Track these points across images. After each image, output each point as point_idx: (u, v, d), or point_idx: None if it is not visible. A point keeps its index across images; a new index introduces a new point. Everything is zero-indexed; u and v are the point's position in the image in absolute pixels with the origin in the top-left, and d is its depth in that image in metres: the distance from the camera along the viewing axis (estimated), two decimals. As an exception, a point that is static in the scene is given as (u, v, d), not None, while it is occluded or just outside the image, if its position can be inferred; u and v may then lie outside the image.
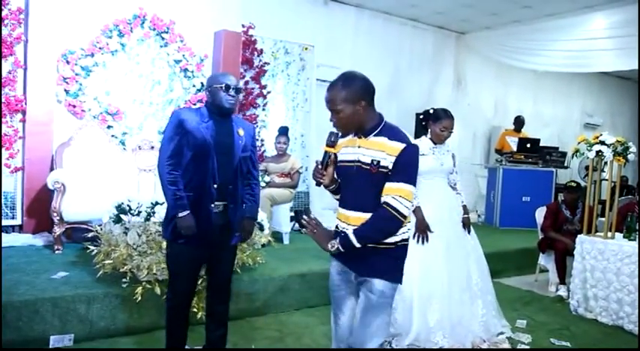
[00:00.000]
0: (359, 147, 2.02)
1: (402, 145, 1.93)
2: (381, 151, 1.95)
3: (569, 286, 4.35)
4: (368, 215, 1.94)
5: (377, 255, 1.99)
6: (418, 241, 3.18)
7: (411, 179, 1.94)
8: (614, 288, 3.90)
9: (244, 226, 2.68)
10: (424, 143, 3.32)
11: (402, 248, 2.04)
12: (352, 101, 1.97)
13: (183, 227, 2.43)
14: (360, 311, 2.03)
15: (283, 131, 5.49)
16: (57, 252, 4.13)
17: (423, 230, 3.19)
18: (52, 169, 4.57)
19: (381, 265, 1.99)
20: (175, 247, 2.53)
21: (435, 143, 3.34)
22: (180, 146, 2.46)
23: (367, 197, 1.96)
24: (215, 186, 2.49)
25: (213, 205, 2.50)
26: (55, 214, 4.15)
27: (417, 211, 3.19)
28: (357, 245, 1.93)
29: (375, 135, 2.01)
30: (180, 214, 2.42)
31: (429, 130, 3.35)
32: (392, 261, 2.02)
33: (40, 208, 4.55)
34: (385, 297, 2.00)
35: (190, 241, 2.48)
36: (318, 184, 2.08)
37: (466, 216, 3.44)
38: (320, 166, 2.04)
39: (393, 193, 1.90)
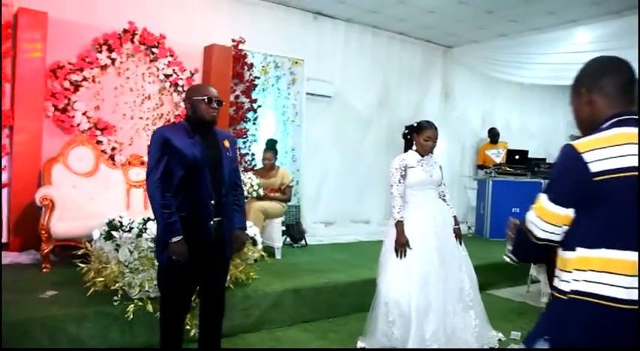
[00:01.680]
0: None
1: None
2: None
3: (562, 297, 4.35)
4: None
5: None
6: (397, 255, 3.20)
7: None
8: (607, 298, 3.91)
9: (237, 237, 2.63)
10: (411, 156, 3.37)
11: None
12: None
13: (177, 253, 2.36)
14: None
15: (270, 146, 5.47)
16: (44, 270, 4.05)
17: (402, 244, 3.20)
18: (39, 185, 4.50)
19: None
20: (168, 270, 2.45)
21: (422, 155, 3.37)
22: (170, 166, 2.37)
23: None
24: (212, 202, 2.44)
25: (212, 222, 2.45)
26: (43, 232, 4.07)
27: (398, 225, 3.23)
28: None
29: None
30: (174, 240, 2.34)
31: (414, 143, 3.40)
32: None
33: (27, 225, 4.45)
34: None
35: (187, 263, 2.41)
36: None
37: (457, 226, 3.46)
38: None
39: None
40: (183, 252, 2.36)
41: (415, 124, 3.42)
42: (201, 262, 2.48)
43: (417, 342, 3.13)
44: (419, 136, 3.35)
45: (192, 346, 2.94)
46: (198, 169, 2.41)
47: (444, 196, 3.51)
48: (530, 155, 7.84)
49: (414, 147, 3.39)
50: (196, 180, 2.41)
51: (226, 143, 2.57)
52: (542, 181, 7.34)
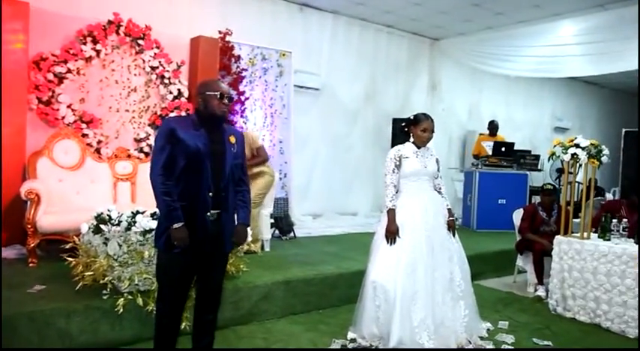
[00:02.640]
0: None
1: None
2: None
3: (548, 286, 4.43)
4: None
5: None
6: (388, 242, 3.29)
7: None
8: (592, 287, 3.99)
9: (238, 232, 2.66)
10: (408, 147, 3.47)
11: None
12: None
13: (177, 239, 2.40)
14: None
15: None
16: (31, 265, 3.99)
17: (392, 232, 3.29)
18: (24, 179, 4.43)
19: None
20: (168, 258, 2.49)
21: (418, 147, 3.45)
22: (173, 155, 2.43)
23: None
24: (210, 194, 2.47)
25: (209, 214, 2.48)
26: (29, 226, 4.01)
27: (390, 213, 3.32)
28: None
29: None
30: (175, 226, 2.39)
31: (412, 135, 3.48)
32: None
33: (11, 219, 4.37)
34: None
35: (185, 251, 2.44)
36: None
37: (451, 219, 3.51)
38: None
39: None
40: (184, 237, 2.41)
41: (412, 117, 3.51)
42: (199, 253, 2.50)
43: (405, 329, 3.17)
44: (416, 128, 3.44)
45: (185, 339, 2.94)
46: (199, 161, 2.45)
47: (440, 188, 3.58)
48: (516, 147, 7.91)
49: (412, 139, 3.48)
50: (197, 171, 2.46)
51: (232, 139, 2.61)
52: (528, 173, 7.44)
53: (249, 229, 3.79)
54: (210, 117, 2.53)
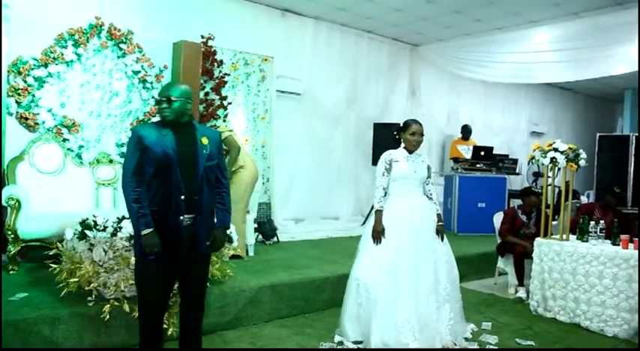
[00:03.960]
0: None
1: None
2: None
3: (528, 287, 4.53)
4: None
5: None
6: (374, 241, 3.40)
7: None
8: (571, 287, 4.10)
9: (216, 235, 2.64)
10: (400, 152, 3.59)
11: None
12: None
13: (148, 245, 2.42)
14: None
15: None
16: (12, 272, 3.91)
17: (378, 232, 3.40)
18: (2, 185, 4.34)
19: None
20: (144, 265, 2.50)
21: (409, 152, 3.55)
22: (142, 162, 2.46)
23: None
24: (182, 197, 2.46)
25: (182, 218, 2.48)
26: (9, 233, 3.93)
27: (377, 213, 3.43)
28: None
29: None
30: (144, 232, 2.41)
31: (402, 141, 3.59)
32: None
33: (-10, 226, 4.30)
34: None
35: (159, 257, 2.44)
36: None
37: (440, 224, 3.58)
38: None
39: None
40: (155, 244, 2.41)
41: (401, 124, 3.64)
42: (176, 257, 2.49)
43: (389, 327, 3.22)
44: (405, 132, 3.56)
45: (172, 344, 2.92)
46: (167, 165, 2.45)
47: (431, 194, 3.67)
48: (493, 151, 8.07)
49: (402, 144, 3.59)
50: (166, 175, 2.46)
51: (204, 140, 2.58)
52: (506, 176, 7.59)
53: (233, 233, 3.82)
54: (164, 121, 2.55)
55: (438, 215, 3.60)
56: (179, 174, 2.45)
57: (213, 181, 2.63)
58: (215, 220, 2.68)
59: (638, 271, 3.76)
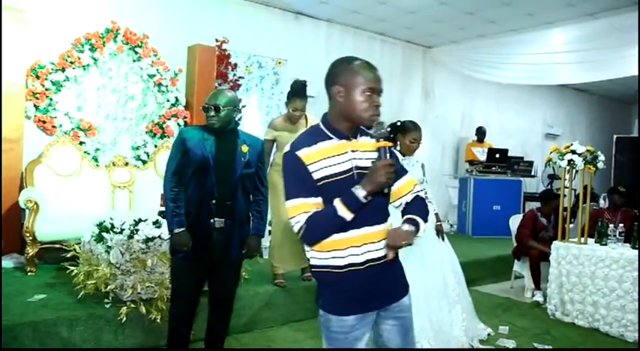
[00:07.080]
0: (352, 151, 1.73)
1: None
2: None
3: (546, 291, 4.47)
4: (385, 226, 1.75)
5: (400, 268, 1.88)
6: None
7: None
8: (589, 291, 4.04)
9: (249, 242, 2.66)
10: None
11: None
12: None
13: (178, 244, 2.48)
14: (401, 338, 1.82)
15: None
16: (30, 274, 3.96)
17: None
18: (21, 187, 4.40)
19: (404, 277, 1.89)
20: (174, 262, 2.59)
21: (404, 155, 3.39)
22: (182, 163, 2.51)
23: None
24: (213, 202, 2.50)
25: (212, 221, 2.51)
26: (27, 235, 3.98)
27: None
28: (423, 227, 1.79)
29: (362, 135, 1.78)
30: (176, 231, 2.47)
31: (398, 142, 3.41)
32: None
33: (9, 228, 4.33)
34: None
35: (188, 256, 2.51)
36: (389, 185, 1.68)
37: (439, 223, 3.52)
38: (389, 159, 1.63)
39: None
40: (184, 243, 2.47)
41: (399, 124, 3.43)
42: (205, 259, 2.54)
43: None
44: (404, 137, 3.38)
45: (192, 345, 2.92)
46: (204, 169, 2.50)
47: (426, 194, 3.54)
48: (508, 154, 8.00)
49: (398, 147, 3.41)
50: (202, 179, 2.51)
51: (244, 148, 2.60)
52: (522, 179, 7.52)
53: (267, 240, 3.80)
54: (211, 128, 2.57)
55: (436, 214, 3.51)
56: (214, 178, 2.49)
57: (251, 189, 2.65)
58: (250, 227, 2.69)
59: (638, 271, 3.72)
